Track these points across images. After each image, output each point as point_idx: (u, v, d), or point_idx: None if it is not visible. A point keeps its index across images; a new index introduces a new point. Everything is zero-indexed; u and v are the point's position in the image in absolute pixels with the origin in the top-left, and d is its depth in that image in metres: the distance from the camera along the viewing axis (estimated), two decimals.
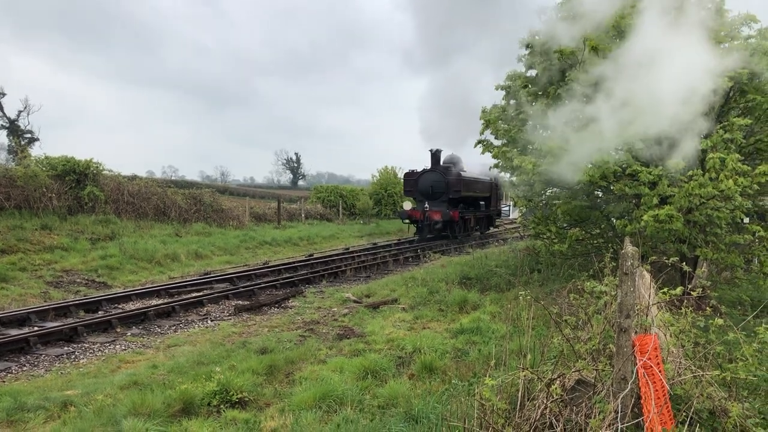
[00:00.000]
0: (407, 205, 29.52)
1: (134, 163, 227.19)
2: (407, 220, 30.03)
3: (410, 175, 30.27)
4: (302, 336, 10.69)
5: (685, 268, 6.02)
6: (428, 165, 30.24)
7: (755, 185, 10.02)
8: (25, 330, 11.09)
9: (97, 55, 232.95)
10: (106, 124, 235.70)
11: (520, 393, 5.01)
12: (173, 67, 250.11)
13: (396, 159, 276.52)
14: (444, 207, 28.62)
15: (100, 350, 10.43)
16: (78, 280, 16.64)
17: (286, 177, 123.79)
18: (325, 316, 12.66)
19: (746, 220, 12.16)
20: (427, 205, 28.76)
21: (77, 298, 14.06)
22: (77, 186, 23.22)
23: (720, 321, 5.18)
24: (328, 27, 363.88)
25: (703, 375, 4.80)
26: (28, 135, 60.44)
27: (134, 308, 13.23)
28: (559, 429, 4.47)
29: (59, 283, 16.11)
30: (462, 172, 29.82)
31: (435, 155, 30.19)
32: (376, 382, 7.74)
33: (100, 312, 13.03)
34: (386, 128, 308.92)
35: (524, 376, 5.02)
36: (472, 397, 5.46)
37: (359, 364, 8.28)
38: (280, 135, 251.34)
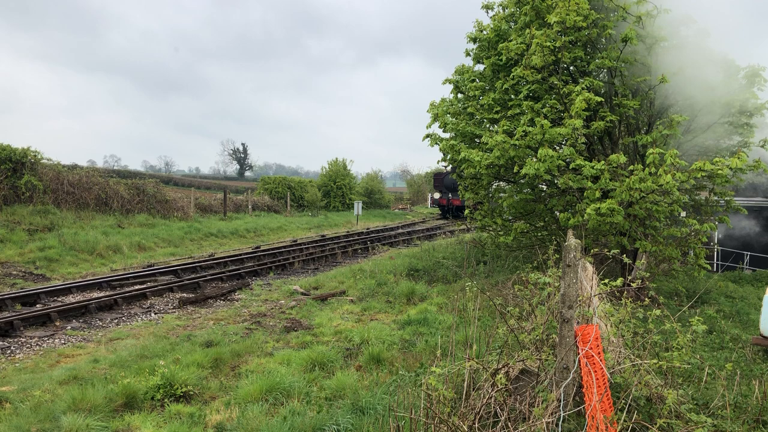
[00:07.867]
0: (437, 195, 42.71)
1: (75, 151, 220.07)
2: (436, 206, 43.85)
3: (438, 175, 43.48)
4: (249, 329, 10.59)
5: (626, 260, 6.20)
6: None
7: (692, 180, 10.38)
8: None
9: (31, 35, 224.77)
10: (43, 110, 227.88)
11: (465, 383, 5.08)
12: (114, 51, 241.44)
13: (346, 151, 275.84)
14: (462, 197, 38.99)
15: (38, 344, 10.10)
16: (14, 273, 16.04)
17: (233, 168, 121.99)
18: (272, 308, 12.56)
19: (683, 214, 12.61)
20: (450, 195, 41.02)
21: (13, 291, 13.57)
22: (14, 175, 22.37)
23: (657, 311, 5.35)
24: (280, 11, 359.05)
25: (641, 363, 4.96)
26: None
27: (74, 301, 12.86)
28: (503, 418, 4.55)
29: None
30: None
31: None
32: (324, 374, 7.74)
33: (38, 305, 12.61)
34: (337, 120, 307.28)
35: (470, 366, 5.10)
36: (419, 387, 5.52)
37: (306, 356, 8.26)
38: (227, 124, 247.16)
